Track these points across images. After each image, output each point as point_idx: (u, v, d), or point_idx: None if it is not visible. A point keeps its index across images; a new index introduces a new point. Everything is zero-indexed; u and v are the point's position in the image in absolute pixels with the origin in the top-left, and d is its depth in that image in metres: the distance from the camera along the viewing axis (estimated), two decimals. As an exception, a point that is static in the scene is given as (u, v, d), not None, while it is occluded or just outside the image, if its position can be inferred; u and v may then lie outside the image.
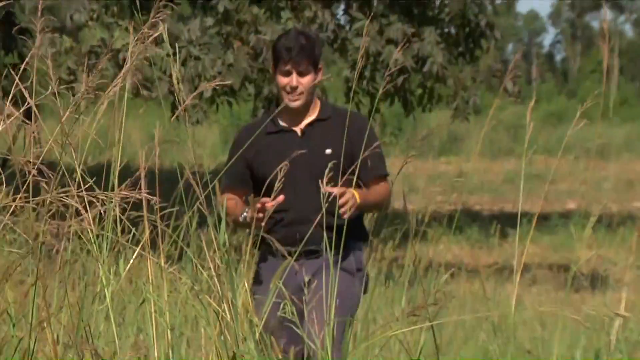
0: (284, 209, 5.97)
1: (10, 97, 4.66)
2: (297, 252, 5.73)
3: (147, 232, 5.26)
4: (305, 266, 6.04)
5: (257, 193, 6.05)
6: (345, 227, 5.82)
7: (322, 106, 6.31)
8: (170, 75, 17.48)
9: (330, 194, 5.71)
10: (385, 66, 20.39)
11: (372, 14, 20.67)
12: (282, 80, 6.15)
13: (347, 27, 21.67)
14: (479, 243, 19.79)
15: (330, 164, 5.69)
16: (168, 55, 5.27)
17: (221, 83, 18.01)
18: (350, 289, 6.05)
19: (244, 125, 6.32)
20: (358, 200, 5.92)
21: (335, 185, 5.81)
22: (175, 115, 5.42)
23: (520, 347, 5.56)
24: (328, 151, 6.05)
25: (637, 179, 22.90)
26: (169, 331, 5.01)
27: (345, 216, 5.81)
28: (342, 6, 22.37)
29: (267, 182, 5.74)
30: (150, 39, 4.88)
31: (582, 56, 77.48)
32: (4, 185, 4.83)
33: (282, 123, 6.29)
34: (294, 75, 6.12)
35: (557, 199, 23.72)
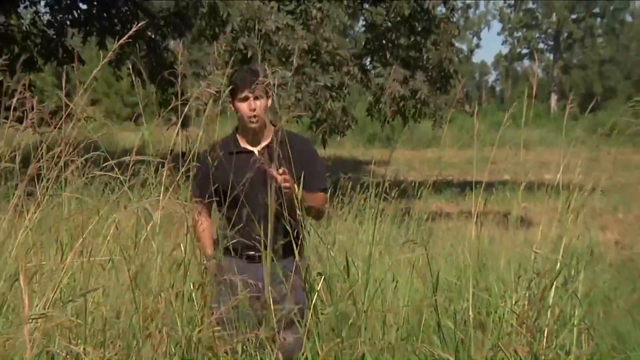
0: (244, 219, 4.59)
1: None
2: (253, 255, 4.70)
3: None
4: (261, 269, 4.57)
5: (219, 203, 4.82)
6: (295, 234, 4.67)
7: (274, 131, 4.89)
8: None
9: (282, 195, 4.58)
10: (392, 96, 20.62)
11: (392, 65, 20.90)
12: (242, 106, 4.83)
13: (371, 72, 21.72)
14: (451, 199, 19.67)
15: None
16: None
17: (299, 114, 18.32)
18: (301, 293, 4.76)
19: (210, 144, 4.77)
20: (297, 189, 4.59)
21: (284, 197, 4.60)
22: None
23: (480, 262, 5.46)
24: (280, 170, 4.59)
25: (547, 161, 22.88)
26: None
27: (286, 185, 4.54)
28: (369, 59, 22.44)
29: (227, 193, 4.64)
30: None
31: (512, 88, 77.07)
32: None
33: (242, 145, 4.90)
34: (251, 100, 4.80)
35: (498, 173, 23.69)
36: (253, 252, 4.66)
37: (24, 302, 3.24)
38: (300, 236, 4.78)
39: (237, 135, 4.95)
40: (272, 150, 4.76)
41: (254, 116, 4.82)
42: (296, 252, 4.70)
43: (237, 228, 4.56)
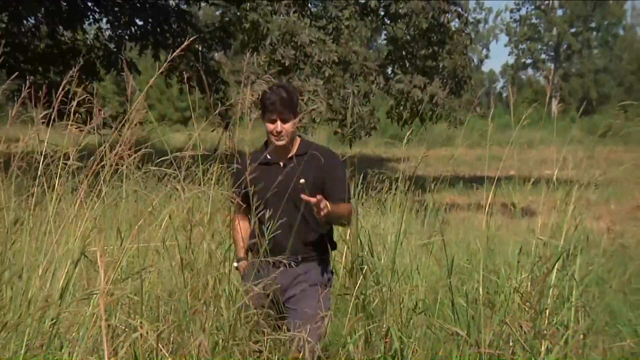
0: (270, 225, 4.30)
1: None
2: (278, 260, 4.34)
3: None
4: (284, 273, 4.44)
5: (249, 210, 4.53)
6: (316, 240, 4.59)
7: (302, 143, 4.68)
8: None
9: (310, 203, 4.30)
10: (412, 100, 20.57)
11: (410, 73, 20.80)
12: (270, 126, 4.56)
13: (392, 79, 21.63)
14: (463, 192, 19.54)
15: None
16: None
17: (331, 118, 18.34)
18: (320, 302, 4.46)
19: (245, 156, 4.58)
20: (329, 208, 4.26)
21: (307, 207, 4.42)
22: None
23: (489, 248, 5.43)
24: (302, 180, 4.34)
25: (546, 158, 22.69)
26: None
27: (323, 214, 4.26)
28: (391, 68, 22.38)
29: (255, 202, 4.34)
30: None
31: (517, 94, 76.63)
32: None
33: (269, 157, 4.60)
34: (279, 123, 4.52)
35: (504, 169, 23.47)
36: (274, 257, 4.34)
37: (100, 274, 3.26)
38: (325, 244, 4.63)
39: (266, 148, 4.69)
40: (298, 161, 4.58)
41: (280, 136, 4.57)
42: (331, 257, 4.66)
43: (261, 235, 4.36)
